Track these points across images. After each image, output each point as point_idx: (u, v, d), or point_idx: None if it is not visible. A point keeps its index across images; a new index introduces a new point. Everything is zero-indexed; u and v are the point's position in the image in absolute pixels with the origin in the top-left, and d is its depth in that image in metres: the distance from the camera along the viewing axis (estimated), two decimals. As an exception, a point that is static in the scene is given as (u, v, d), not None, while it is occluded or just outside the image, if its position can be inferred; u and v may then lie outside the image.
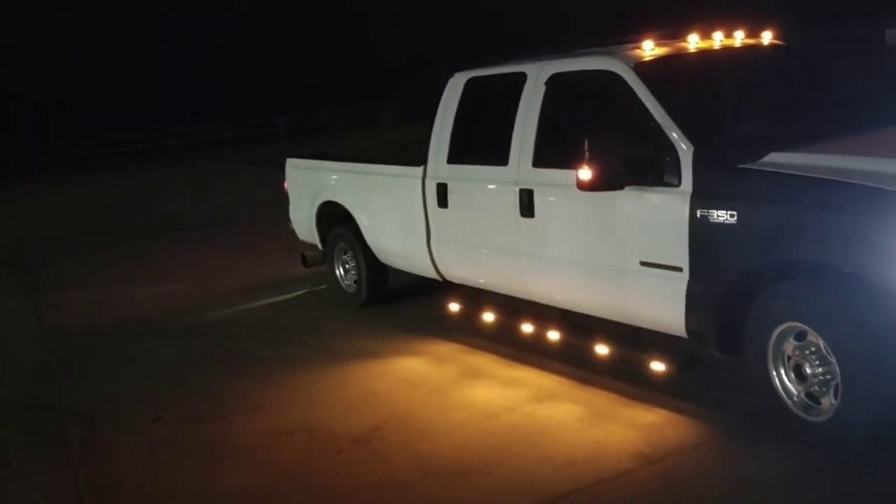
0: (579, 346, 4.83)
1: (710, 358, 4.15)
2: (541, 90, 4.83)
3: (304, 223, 7.28)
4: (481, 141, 5.38)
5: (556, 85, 4.78)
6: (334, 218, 6.81)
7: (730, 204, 3.78)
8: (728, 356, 4.02)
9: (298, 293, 7.72)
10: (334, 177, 6.86)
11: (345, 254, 6.83)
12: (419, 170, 5.71)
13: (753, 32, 4.95)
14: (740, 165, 3.84)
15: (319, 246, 7.19)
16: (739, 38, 4.86)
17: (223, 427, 4.72)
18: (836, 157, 3.65)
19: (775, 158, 3.80)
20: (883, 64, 20.70)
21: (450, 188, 5.46)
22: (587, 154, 3.98)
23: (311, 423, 4.64)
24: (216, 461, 4.32)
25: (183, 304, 7.78)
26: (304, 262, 7.33)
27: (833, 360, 3.50)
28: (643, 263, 4.23)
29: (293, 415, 4.80)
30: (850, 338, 3.41)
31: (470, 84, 5.48)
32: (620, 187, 4.09)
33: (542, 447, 4.00)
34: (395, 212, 6.08)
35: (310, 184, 7.12)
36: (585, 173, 4.02)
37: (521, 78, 5.00)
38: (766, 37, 4.97)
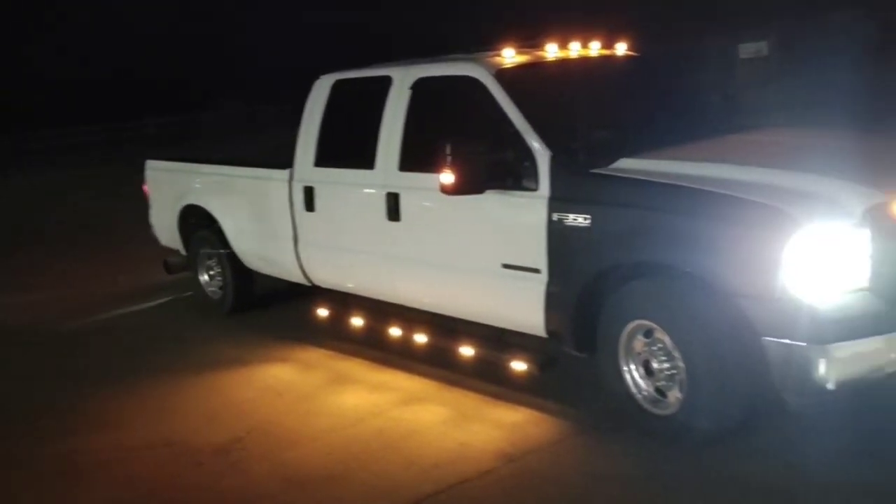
0: (446, 348, 4.87)
1: (569, 357, 4.29)
2: (406, 94, 4.85)
3: (166, 228, 6.98)
4: (348, 144, 5.33)
5: (421, 89, 4.81)
6: (197, 222, 6.57)
7: (584, 208, 3.93)
8: (585, 354, 4.17)
9: (162, 301, 7.39)
10: (197, 180, 6.62)
11: (209, 259, 6.60)
12: (285, 173, 5.59)
13: (609, 43, 5.17)
14: (592, 171, 4.01)
15: (183, 251, 6.91)
16: (595, 48, 5.07)
17: (78, 443, 4.46)
18: (678, 164, 3.87)
19: (625, 164, 3.98)
20: (736, 76, 22.25)
21: (316, 192, 5.38)
22: (450, 158, 4.03)
23: (170, 436, 4.45)
24: (70, 480, 4.07)
25: (41, 315, 7.28)
26: (167, 268, 7.02)
27: (677, 355, 3.70)
28: (505, 266, 4.32)
29: (153, 428, 4.59)
30: (691, 334, 3.61)
31: (336, 86, 5.43)
32: (482, 191, 4.16)
33: (407, 451, 4.01)
34: (262, 216, 5.93)
35: (171, 187, 6.83)
36: (448, 177, 4.06)
37: (387, 81, 5.00)
38: (621, 48, 5.21)
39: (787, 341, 3.33)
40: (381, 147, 4.92)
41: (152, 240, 7.38)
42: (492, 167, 4.13)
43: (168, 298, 7.40)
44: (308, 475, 3.86)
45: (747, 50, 23.49)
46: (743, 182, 3.59)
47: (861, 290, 3.35)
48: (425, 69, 4.87)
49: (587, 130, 4.22)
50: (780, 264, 3.31)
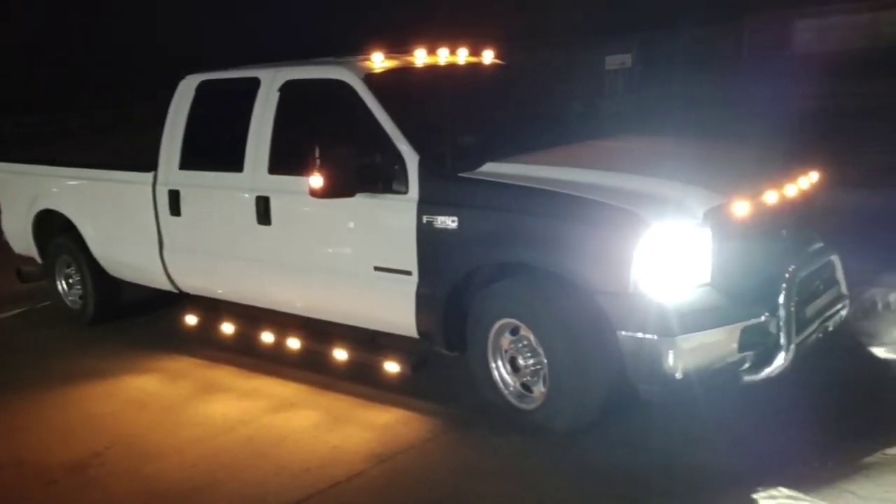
0: (319, 352, 4.84)
1: (441, 356, 4.37)
2: (275, 96, 4.79)
3: (19, 234, 6.55)
4: (215, 146, 5.20)
5: (289, 92, 4.76)
6: (54, 228, 6.20)
7: (451, 210, 4.02)
8: (455, 353, 4.26)
9: (15, 312, 6.91)
10: (53, 183, 6.25)
11: (68, 267, 6.25)
12: (149, 176, 5.38)
13: (477, 51, 5.31)
14: (460, 174, 4.10)
15: (38, 259, 6.50)
16: (463, 55, 5.19)
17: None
18: (540, 168, 4.03)
19: (490, 168, 4.10)
20: (603, 85, 23.37)
21: (182, 195, 5.21)
22: (318, 161, 4.02)
23: (22, 456, 4.19)
24: None
25: None
26: (21, 277, 6.61)
27: (541, 351, 3.85)
28: (377, 268, 4.35)
29: (2, 448, 4.30)
30: (552, 331, 3.77)
31: (202, 87, 5.29)
32: (352, 194, 4.17)
33: (278, 458, 3.95)
34: (124, 221, 5.68)
35: (24, 191, 6.41)
36: (317, 180, 4.04)
37: (255, 83, 4.92)
38: (488, 56, 5.35)
39: (640, 335, 3.53)
40: (249, 150, 4.83)
41: (5, 247, 6.90)
42: (362, 170, 4.15)
43: (22, 309, 6.93)
44: (172, 488, 3.74)
45: (613, 62, 24.76)
46: (598, 186, 3.78)
47: (704, 285, 3.60)
48: (294, 72, 4.83)
49: (455, 135, 4.32)
50: (631, 263, 3.51)
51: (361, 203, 4.25)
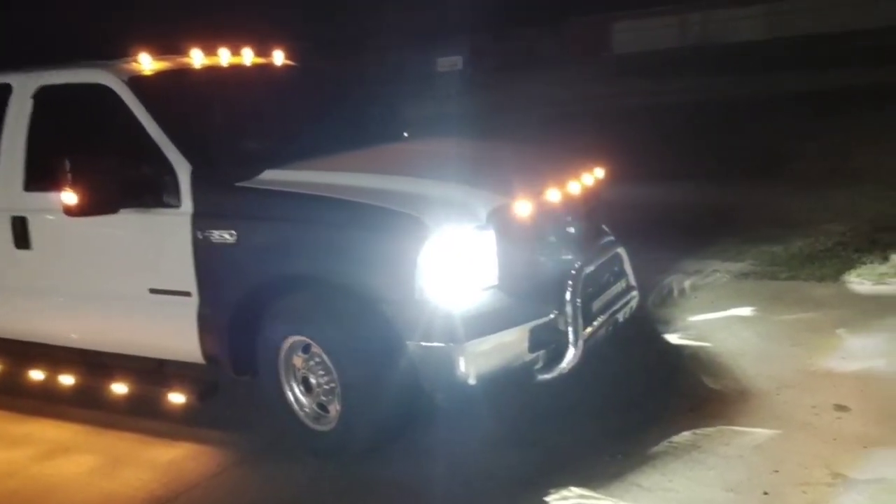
0: (98, 387, 4.35)
1: (233, 381, 4.05)
2: (28, 104, 4.27)
3: None
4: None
5: (45, 99, 4.26)
6: None
7: (229, 223, 3.72)
8: (246, 377, 3.96)
9: None
10: None
11: None
12: None
13: (263, 51, 5.00)
14: (237, 184, 3.81)
15: None
16: (248, 56, 4.87)
17: None
18: (323, 174, 3.81)
19: (270, 176, 3.83)
20: (435, 87, 23.60)
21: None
22: (70, 176, 3.58)
23: None
24: None
25: None
26: None
27: (333, 368, 3.63)
28: (153, 290, 3.96)
29: None
30: (341, 345, 3.56)
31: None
32: (115, 211, 3.76)
33: (42, 513, 3.49)
34: None
35: None
36: (70, 197, 3.61)
37: (6, 90, 4.37)
38: (278, 57, 5.06)
39: (428, 343, 3.40)
40: (1, 165, 4.28)
41: None
42: (126, 184, 3.75)
43: None
44: None
45: (445, 63, 25.11)
46: (381, 191, 3.61)
47: (491, 287, 3.52)
48: (49, 76, 4.33)
49: (232, 142, 4.02)
50: (416, 269, 3.37)
51: (130, 220, 3.85)
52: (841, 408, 3.69)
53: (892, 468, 3.17)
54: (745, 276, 5.62)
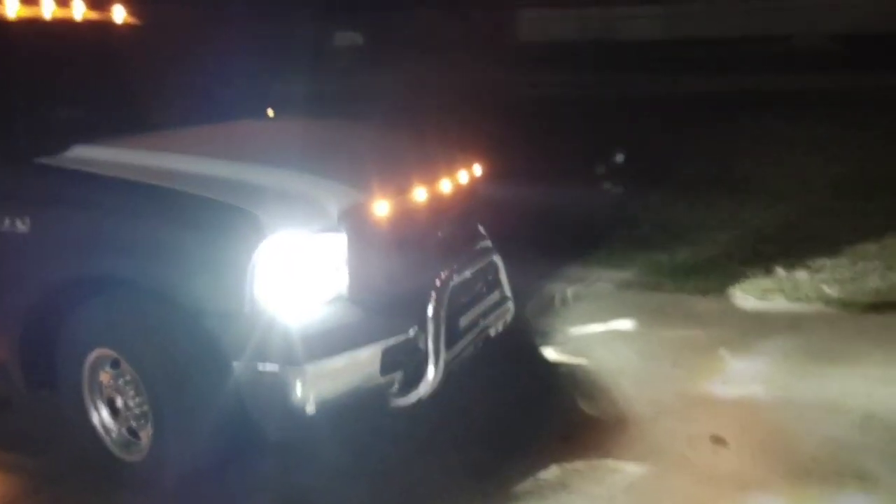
0: None
1: (26, 397, 3.37)
2: None
3: None
4: None
5: None
6: None
7: (22, 208, 3.05)
8: (42, 393, 3.29)
9: None
10: None
11: None
12: None
13: (101, 6, 4.24)
14: (36, 160, 3.11)
15: None
16: (78, 9, 4.08)
17: None
18: (142, 154, 3.18)
19: (78, 153, 3.16)
20: (331, 60, 22.65)
21: None
22: None
23: None
24: None
25: None
26: None
27: (144, 390, 3.02)
28: (-75, 286, 3.22)
29: None
30: (152, 362, 2.95)
31: None
32: None
33: None
34: None
35: None
36: None
37: None
38: (118, 13, 4.30)
39: (259, 365, 2.85)
40: None
41: None
42: None
43: None
44: None
45: (343, 38, 24.18)
46: (213, 178, 3.02)
47: (339, 299, 3.00)
48: None
49: (35, 108, 3.30)
50: (247, 275, 2.80)
51: None
52: (718, 440, 3.40)
53: (768, 516, 2.89)
54: (628, 285, 5.33)
